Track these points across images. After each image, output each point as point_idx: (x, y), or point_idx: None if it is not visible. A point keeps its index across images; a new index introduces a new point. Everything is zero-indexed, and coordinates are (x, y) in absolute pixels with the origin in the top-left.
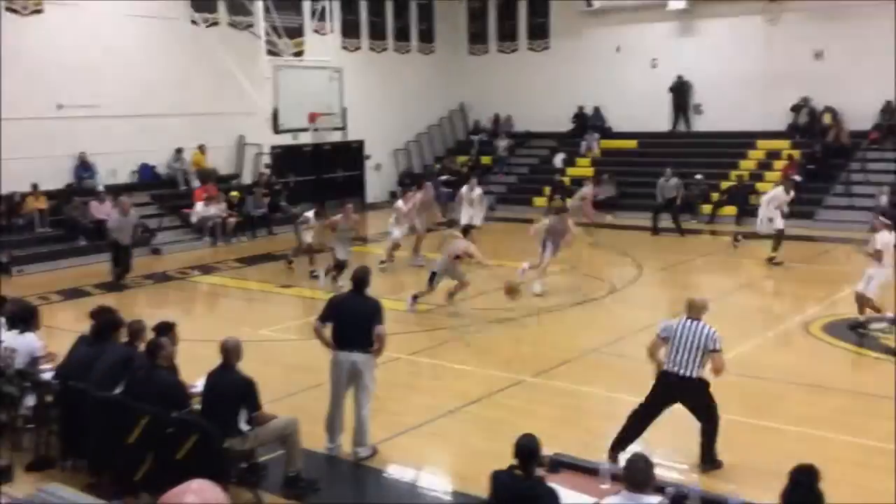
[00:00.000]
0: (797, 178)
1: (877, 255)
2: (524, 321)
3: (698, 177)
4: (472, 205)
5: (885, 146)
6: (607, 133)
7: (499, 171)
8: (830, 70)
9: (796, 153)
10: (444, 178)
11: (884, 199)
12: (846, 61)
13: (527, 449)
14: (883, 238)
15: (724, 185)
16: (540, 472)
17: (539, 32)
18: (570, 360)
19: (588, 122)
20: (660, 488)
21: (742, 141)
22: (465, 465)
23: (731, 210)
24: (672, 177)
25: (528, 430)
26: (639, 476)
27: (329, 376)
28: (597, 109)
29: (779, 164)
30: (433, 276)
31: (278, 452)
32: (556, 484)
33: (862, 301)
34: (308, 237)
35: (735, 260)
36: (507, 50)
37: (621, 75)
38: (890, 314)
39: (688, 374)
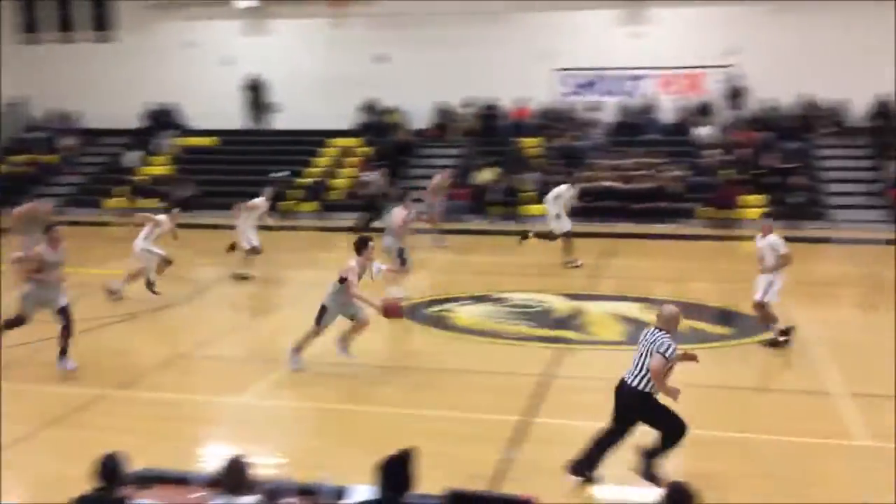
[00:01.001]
0: (369, 174)
1: (786, 260)
2: (101, 331)
3: (282, 174)
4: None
5: (441, 143)
6: (185, 130)
7: (69, 170)
8: (392, 72)
9: (367, 150)
10: None
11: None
12: (406, 64)
13: (107, 468)
14: (775, 241)
15: (302, 181)
16: (128, 489)
17: (103, 24)
18: (157, 367)
19: (163, 119)
20: (257, 487)
21: (316, 139)
22: (42, 497)
23: (310, 206)
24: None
25: (114, 448)
26: (235, 478)
27: None
28: (172, 105)
29: (351, 161)
30: (322, 313)
31: None
32: (146, 500)
33: (762, 309)
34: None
35: (321, 254)
36: (69, 41)
37: (196, 71)
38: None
39: (629, 380)
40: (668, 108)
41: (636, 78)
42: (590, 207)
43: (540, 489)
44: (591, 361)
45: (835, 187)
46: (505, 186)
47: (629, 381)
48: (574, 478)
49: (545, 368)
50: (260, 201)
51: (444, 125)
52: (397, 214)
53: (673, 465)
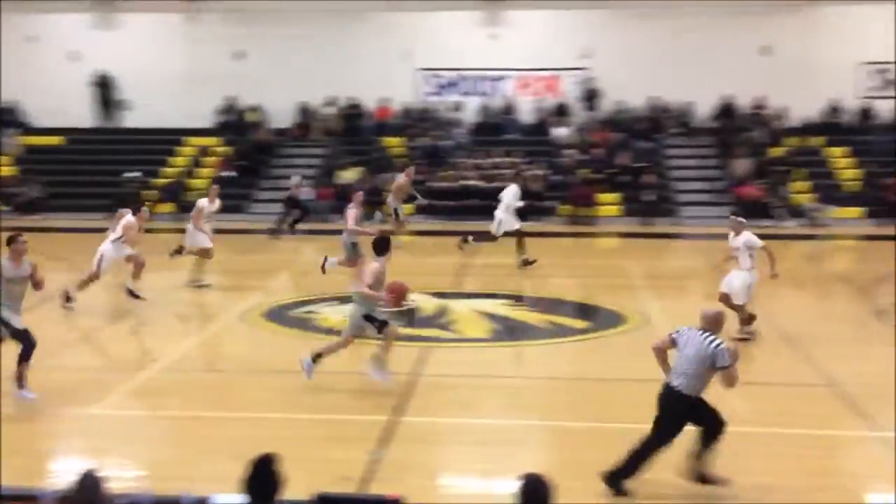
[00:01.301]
0: (230, 174)
1: (770, 252)
2: None
3: (134, 174)
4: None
5: (304, 142)
6: (29, 129)
7: None
8: (252, 70)
9: (227, 150)
10: None
11: (300, 191)
12: (266, 62)
13: None
14: (750, 238)
15: (158, 182)
16: None
17: None
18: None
19: (5, 117)
20: (113, 501)
21: (172, 138)
22: None
23: (168, 207)
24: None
25: None
26: (88, 494)
27: None
28: (14, 103)
29: (210, 160)
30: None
31: None
32: None
33: (725, 303)
34: None
35: (178, 257)
36: None
37: (40, 67)
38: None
39: (676, 384)
40: (527, 108)
41: (496, 79)
42: (453, 206)
43: (408, 488)
44: (458, 359)
45: (683, 185)
46: (369, 186)
47: (676, 386)
48: (610, 488)
49: (412, 367)
50: (203, 202)
51: (307, 124)
52: (350, 210)
53: (536, 457)
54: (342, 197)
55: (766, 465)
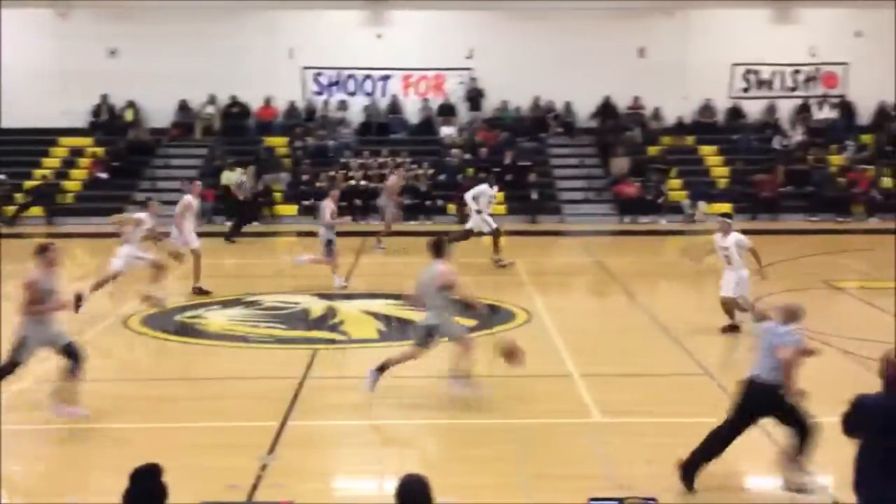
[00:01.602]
0: (103, 175)
1: (755, 253)
2: None
3: (1, 177)
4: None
5: (185, 142)
6: None
7: None
8: (126, 68)
9: (100, 150)
10: None
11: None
12: (141, 60)
13: None
14: (740, 238)
15: (29, 184)
16: None
17: None
18: None
19: None
20: None
21: (43, 139)
22: None
23: (38, 211)
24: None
25: None
26: None
27: None
28: None
29: (84, 161)
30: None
31: None
32: None
33: (731, 306)
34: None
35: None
36: None
37: None
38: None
39: (756, 376)
40: (413, 108)
41: (382, 78)
42: (340, 206)
43: (298, 493)
44: (347, 361)
45: (566, 183)
46: (253, 187)
47: (759, 377)
48: (685, 482)
49: (301, 371)
50: (189, 198)
51: (188, 124)
52: (327, 207)
53: (426, 455)
54: (224, 198)
55: (651, 452)
